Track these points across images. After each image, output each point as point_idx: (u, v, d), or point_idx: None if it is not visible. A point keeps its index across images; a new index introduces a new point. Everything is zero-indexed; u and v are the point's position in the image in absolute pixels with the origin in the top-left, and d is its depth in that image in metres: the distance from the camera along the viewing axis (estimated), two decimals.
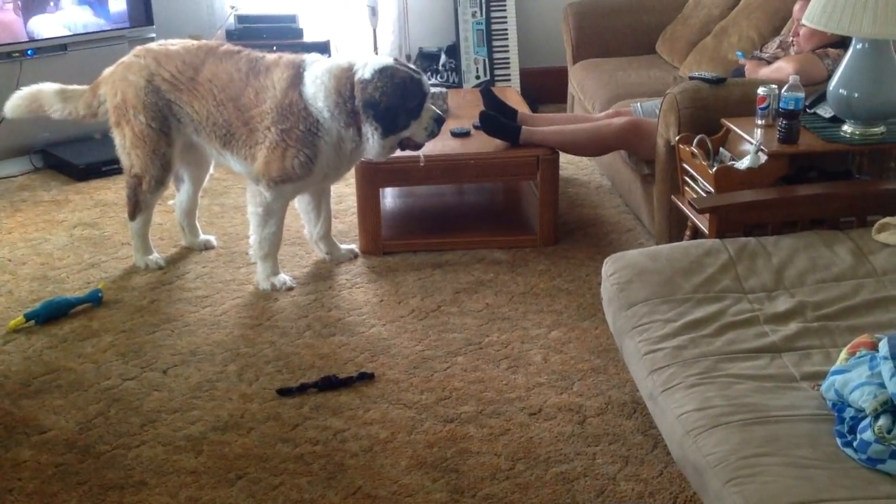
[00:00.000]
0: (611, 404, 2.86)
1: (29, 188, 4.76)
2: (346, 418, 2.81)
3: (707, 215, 3.04)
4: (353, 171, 3.95)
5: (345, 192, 4.47)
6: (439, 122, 3.54)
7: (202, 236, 4.07)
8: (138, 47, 3.77)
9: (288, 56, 3.61)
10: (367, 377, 3.01)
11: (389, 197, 4.49)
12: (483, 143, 4.00)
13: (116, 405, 2.91)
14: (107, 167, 4.84)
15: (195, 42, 3.75)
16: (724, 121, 3.35)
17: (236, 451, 2.67)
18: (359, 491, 2.50)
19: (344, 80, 3.41)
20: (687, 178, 3.37)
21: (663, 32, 5.18)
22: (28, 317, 3.39)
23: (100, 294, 3.56)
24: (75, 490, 2.52)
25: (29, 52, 4.89)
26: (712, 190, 3.13)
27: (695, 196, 3.21)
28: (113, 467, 2.61)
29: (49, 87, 3.84)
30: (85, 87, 3.83)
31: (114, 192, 4.67)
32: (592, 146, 4.04)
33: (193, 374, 3.08)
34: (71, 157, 4.91)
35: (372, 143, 3.46)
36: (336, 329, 3.34)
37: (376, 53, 5.75)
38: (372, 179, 3.90)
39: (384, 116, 3.39)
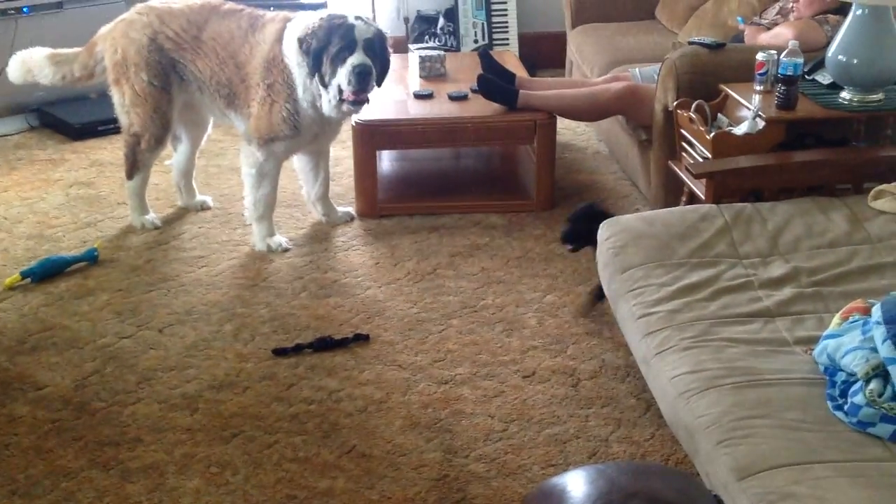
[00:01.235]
0: (604, 368, 2.87)
1: (25, 147, 4.74)
2: (340, 378, 2.83)
3: (704, 181, 3.04)
4: (350, 133, 3.94)
5: (341, 154, 4.46)
6: (361, 73, 3.33)
7: (198, 197, 4.06)
8: (140, 4, 3.74)
9: (283, 13, 3.61)
10: (362, 338, 3.03)
11: (386, 160, 4.48)
12: (480, 107, 3.99)
13: (112, 363, 2.92)
14: (103, 126, 4.82)
15: (198, 0, 3.71)
16: (722, 86, 3.34)
17: (231, 410, 2.69)
18: (353, 450, 2.52)
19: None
20: (684, 144, 3.36)
21: None
22: (24, 274, 3.39)
23: (96, 253, 3.56)
24: (71, 446, 2.54)
25: (24, 9, 4.85)
26: (709, 155, 3.13)
27: (692, 161, 3.21)
28: (109, 424, 2.63)
29: (39, 52, 3.81)
30: (77, 49, 3.79)
31: (109, 151, 4.65)
32: (590, 111, 4.03)
33: (189, 333, 3.09)
34: (67, 116, 4.89)
35: (316, 90, 3.44)
36: (332, 290, 3.35)
37: (374, 16, 5.71)
38: (368, 142, 3.88)
39: (310, 57, 3.36)
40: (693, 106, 3.29)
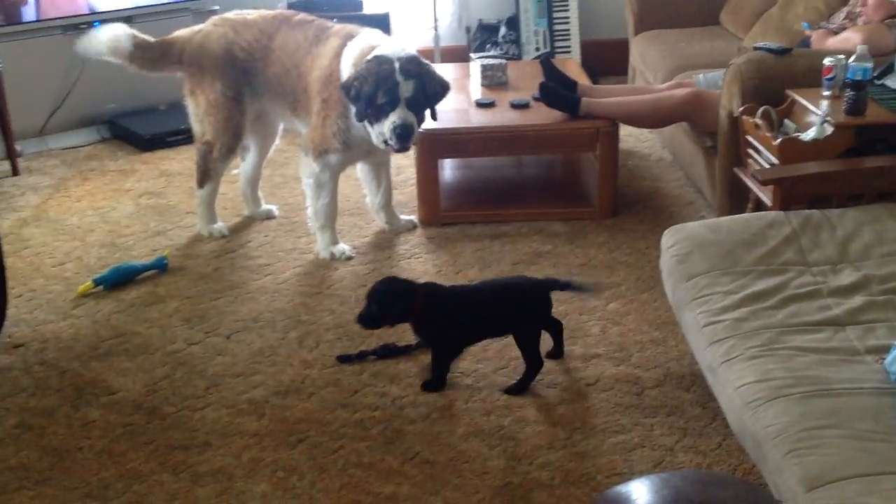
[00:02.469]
0: (669, 376, 2.85)
1: (96, 158, 4.87)
2: (404, 385, 2.85)
3: (770, 187, 3.00)
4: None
5: (404, 162, 4.49)
6: (401, 135, 3.34)
7: (264, 206, 4.13)
8: (216, 17, 3.86)
9: (348, 27, 3.66)
10: (424, 346, 3.04)
11: (448, 168, 4.50)
12: (542, 115, 3.99)
13: (182, 368, 2.98)
14: (171, 138, 4.94)
15: (271, 11, 3.82)
16: (788, 92, 3.29)
17: (297, 415, 2.73)
18: (417, 456, 2.54)
19: (360, 61, 3.42)
20: (750, 151, 3.32)
21: (727, 2, 5.10)
22: (97, 282, 3.49)
23: (165, 261, 3.64)
24: (142, 449, 2.60)
25: (95, 23, 4.98)
26: (776, 162, 3.09)
27: (758, 168, 3.17)
28: (178, 428, 2.69)
29: (125, 28, 3.85)
30: (155, 39, 3.86)
31: (178, 162, 4.76)
32: (654, 118, 4.00)
33: (255, 339, 3.14)
34: (136, 127, 5.01)
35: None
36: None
37: (435, 26, 5.75)
38: (431, 150, 3.91)
39: (352, 99, 3.39)
40: (759, 112, 3.25)
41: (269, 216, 4.10)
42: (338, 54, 3.52)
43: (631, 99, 4.03)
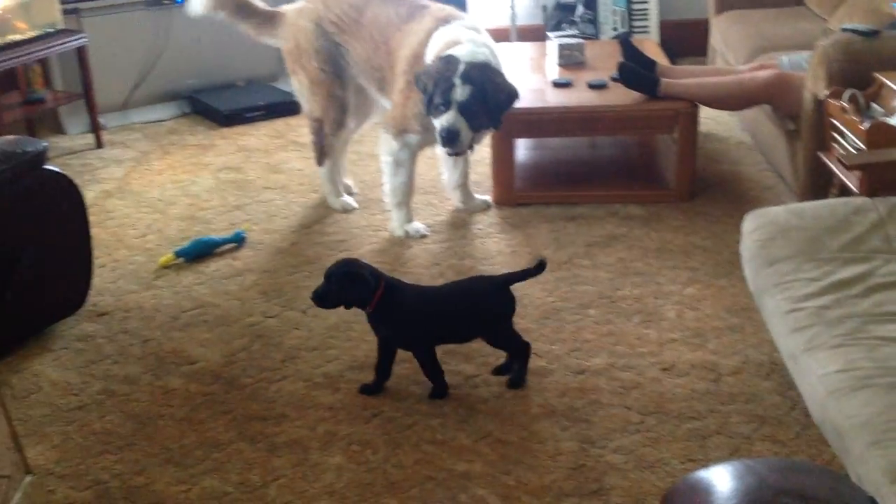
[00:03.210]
0: (747, 363, 2.81)
1: (177, 132, 4.97)
2: (477, 364, 2.86)
3: (857, 173, 2.93)
4: None
5: None
6: (446, 138, 3.36)
7: (345, 180, 4.16)
8: None
9: (447, 10, 3.65)
10: (380, 340, 3.01)
11: (524, 148, 4.48)
12: (620, 96, 3.94)
13: (259, 341, 3.04)
14: (249, 114, 5.02)
15: None
16: (876, 75, 3.20)
17: None
18: (490, 435, 2.55)
19: (442, 52, 3.41)
20: (835, 135, 3.24)
21: None
22: (178, 254, 3.56)
23: (243, 235, 3.71)
24: (221, 418, 2.66)
25: (177, 0, 5.07)
26: (863, 147, 3.01)
27: (844, 153, 3.09)
28: (256, 399, 2.74)
29: None
30: (266, 9, 3.91)
31: (256, 138, 4.83)
32: (735, 100, 3.93)
33: (331, 315, 3.17)
34: (216, 103, 5.10)
35: None
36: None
37: (512, 6, 5.71)
38: (506, 130, 3.89)
39: (419, 90, 3.42)
40: (846, 95, 3.16)
41: (348, 192, 4.13)
42: (428, 36, 3.52)
43: (711, 80, 3.95)
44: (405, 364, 2.87)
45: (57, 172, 3.06)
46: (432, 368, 2.72)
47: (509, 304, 2.74)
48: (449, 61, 3.34)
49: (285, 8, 3.90)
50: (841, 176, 3.12)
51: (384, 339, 2.72)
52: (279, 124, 5.02)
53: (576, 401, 2.68)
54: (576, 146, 4.52)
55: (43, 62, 4.76)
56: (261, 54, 5.36)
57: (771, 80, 3.76)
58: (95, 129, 4.78)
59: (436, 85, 3.32)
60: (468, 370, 2.83)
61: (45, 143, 2.98)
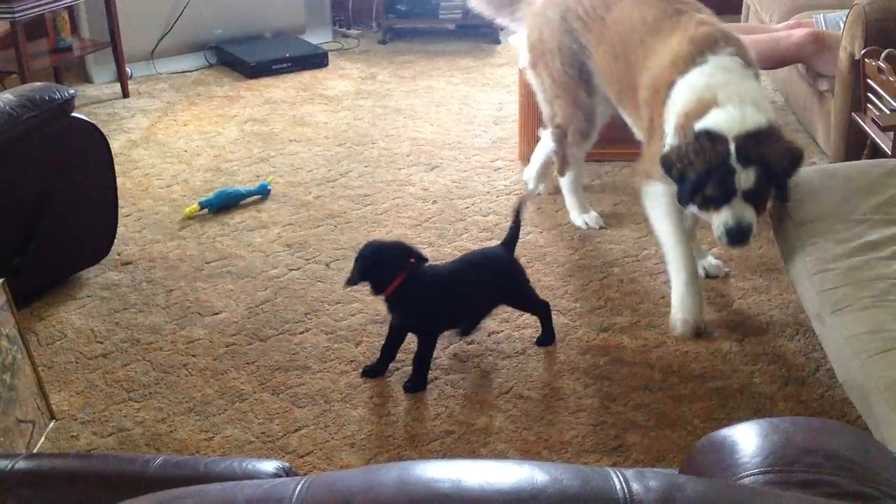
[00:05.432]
0: (772, 324, 2.78)
1: (203, 83, 4.95)
2: (500, 320, 2.85)
3: (891, 134, 2.87)
4: (516, 78, 3.90)
5: (506, 98, 4.44)
6: (733, 236, 2.51)
7: (541, 186, 3.69)
8: None
9: (700, 27, 2.75)
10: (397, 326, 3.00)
11: None
12: None
13: (282, 293, 3.04)
14: (276, 66, 4.99)
15: None
16: None
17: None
18: (511, 391, 2.55)
19: (690, 111, 2.57)
20: (871, 95, 3.17)
21: None
22: (202, 205, 3.57)
23: (268, 187, 3.70)
24: (244, 369, 2.67)
25: None
26: None
27: (878, 113, 3.03)
28: (279, 351, 2.75)
29: None
30: None
31: (282, 90, 4.80)
32: (769, 58, 3.84)
33: None
34: (242, 54, 5.07)
35: None
36: (492, 234, 3.36)
37: None
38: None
39: (672, 178, 2.59)
40: (883, 55, 3.09)
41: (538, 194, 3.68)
42: (677, 71, 2.67)
43: (746, 38, 3.87)
44: None
45: (84, 121, 3.06)
46: (427, 359, 2.58)
47: (518, 264, 2.73)
48: (714, 140, 2.47)
49: None
50: (875, 137, 3.07)
51: (397, 325, 2.62)
52: (306, 77, 4.99)
53: (599, 358, 2.66)
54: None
55: (71, 10, 4.74)
56: (289, 6, 5.34)
57: (806, 38, 3.68)
58: (122, 78, 4.77)
59: (705, 174, 2.48)
60: (491, 326, 2.83)
61: (73, 91, 2.98)
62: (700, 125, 2.51)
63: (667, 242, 2.80)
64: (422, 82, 4.91)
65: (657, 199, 2.79)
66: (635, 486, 0.84)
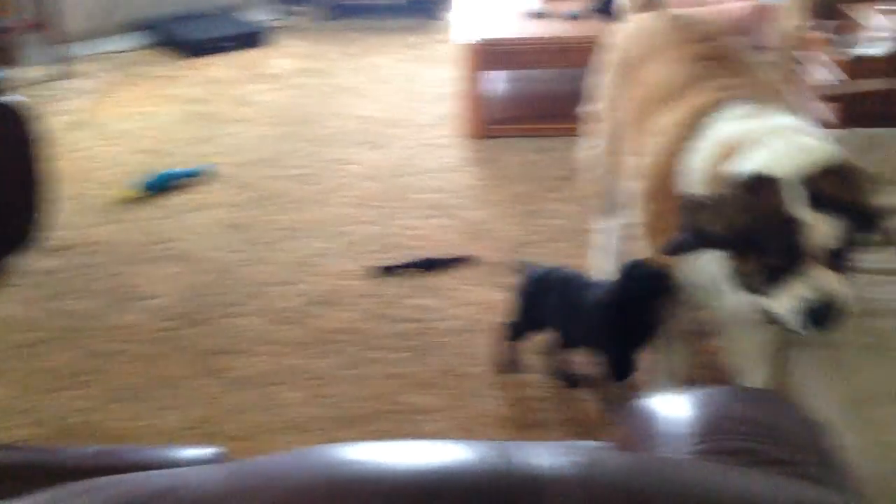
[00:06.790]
0: None
1: (143, 63, 4.84)
2: (443, 298, 2.83)
3: (835, 104, 2.89)
4: (458, 53, 3.87)
5: (451, 75, 4.39)
6: (816, 316, 1.73)
7: None
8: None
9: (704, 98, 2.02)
10: (466, 259, 3.01)
11: (496, 81, 4.39)
12: (594, 27, 3.85)
13: (224, 276, 2.99)
14: (218, 44, 4.89)
15: (678, 14, 2.50)
16: (854, 6, 3.13)
17: (335, 325, 2.73)
18: (451, 370, 2.53)
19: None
20: (812, 67, 3.18)
21: None
22: (142, 187, 3.49)
23: (208, 168, 3.64)
24: (183, 353, 2.63)
25: None
26: (842, 78, 2.96)
27: (822, 84, 3.04)
28: (219, 334, 2.71)
29: None
30: None
31: (224, 69, 4.72)
32: None
33: (297, 249, 3.13)
34: (184, 32, 4.96)
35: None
36: (436, 211, 3.34)
37: None
38: (475, 61, 3.81)
39: (708, 243, 1.82)
40: (825, 26, 3.10)
41: None
42: (677, 147, 1.99)
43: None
44: (369, 299, 2.84)
45: (15, 102, 2.97)
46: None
47: None
48: (761, 185, 1.73)
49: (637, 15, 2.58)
50: (819, 108, 3.08)
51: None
52: (249, 55, 4.90)
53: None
54: (550, 79, 4.43)
55: None
56: None
57: (748, 11, 3.69)
58: (60, 58, 4.65)
59: (757, 230, 1.74)
60: (434, 304, 2.81)
61: (1, 73, 2.89)
62: (736, 174, 1.77)
63: None
64: (368, 59, 4.86)
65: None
66: (557, 461, 0.82)
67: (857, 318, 1.86)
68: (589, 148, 2.69)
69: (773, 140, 1.79)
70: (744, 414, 1.38)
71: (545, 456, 0.83)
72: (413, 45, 5.06)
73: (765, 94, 2.00)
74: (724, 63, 2.14)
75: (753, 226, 1.73)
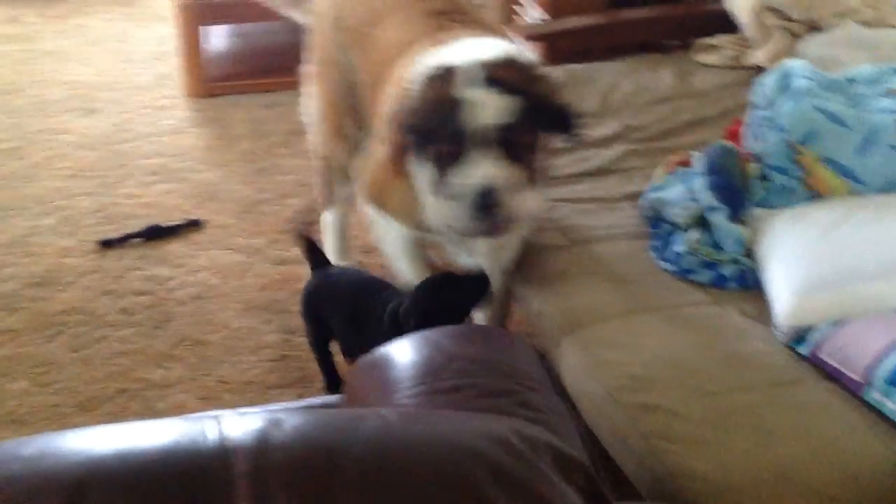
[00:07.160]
0: None
1: None
2: (172, 266, 2.72)
3: (538, 43, 2.99)
4: (173, 8, 3.70)
5: (167, 32, 4.19)
6: (479, 206, 1.74)
7: None
8: None
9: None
10: (194, 224, 2.90)
11: (217, 37, 4.23)
12: None
13: None
14: None
15: None
16: None
17: (55, 307, 2.55)
18: (188, 339, 2.44)
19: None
20: (518, 6, 3.29)
21: None
22: None
23: None
24: None
25: None
26: (544, 18, 3.08)
27: (525, 24, 3.15)
28: None
29: None
30: None
31: None
32: None
33: (5, 229, 2.89)
34: None
35: None
36: (160, 176, 3.19)
37: None
38: (190, 16, 3.65)
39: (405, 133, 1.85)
40: None
41: None
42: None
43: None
44: (92, 275, 2.68)
45: None
46: None
47: None
48: (436, 79, 1.80)
49: None
50: (526, 47, 3.19)
51: None
52: None
53: (277, 292, 2.61)
54: (274, 31, 4.32)
55: None
56: None
57: None
58: None
59: (430, 114, 1.78)
60: (163, 273, 2.69)
61: None
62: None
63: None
64: (74, 21, 4.52)
65: (395, 245, 2.19)
66: (231, 431, 0.81)
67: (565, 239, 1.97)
68: (307, 109, 2.60)
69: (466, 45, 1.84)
70: (461, 351, 1.42)
71: (219, 427, 0.82)
72: (123, 3, 4.76)
73: (486, 35, 2.00)
74: (453, 16, 2.10)
75: (426, 111, 1.75)
